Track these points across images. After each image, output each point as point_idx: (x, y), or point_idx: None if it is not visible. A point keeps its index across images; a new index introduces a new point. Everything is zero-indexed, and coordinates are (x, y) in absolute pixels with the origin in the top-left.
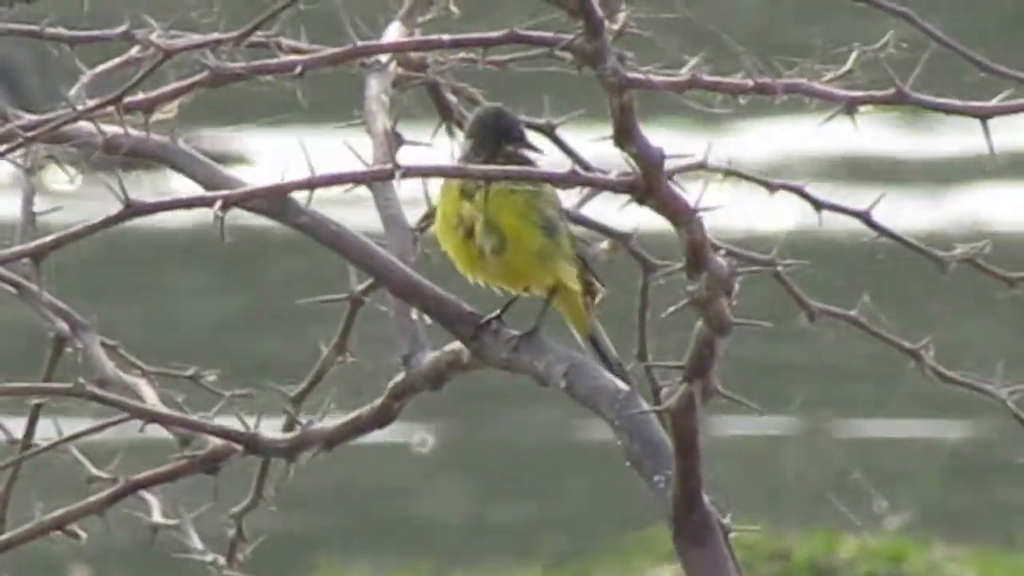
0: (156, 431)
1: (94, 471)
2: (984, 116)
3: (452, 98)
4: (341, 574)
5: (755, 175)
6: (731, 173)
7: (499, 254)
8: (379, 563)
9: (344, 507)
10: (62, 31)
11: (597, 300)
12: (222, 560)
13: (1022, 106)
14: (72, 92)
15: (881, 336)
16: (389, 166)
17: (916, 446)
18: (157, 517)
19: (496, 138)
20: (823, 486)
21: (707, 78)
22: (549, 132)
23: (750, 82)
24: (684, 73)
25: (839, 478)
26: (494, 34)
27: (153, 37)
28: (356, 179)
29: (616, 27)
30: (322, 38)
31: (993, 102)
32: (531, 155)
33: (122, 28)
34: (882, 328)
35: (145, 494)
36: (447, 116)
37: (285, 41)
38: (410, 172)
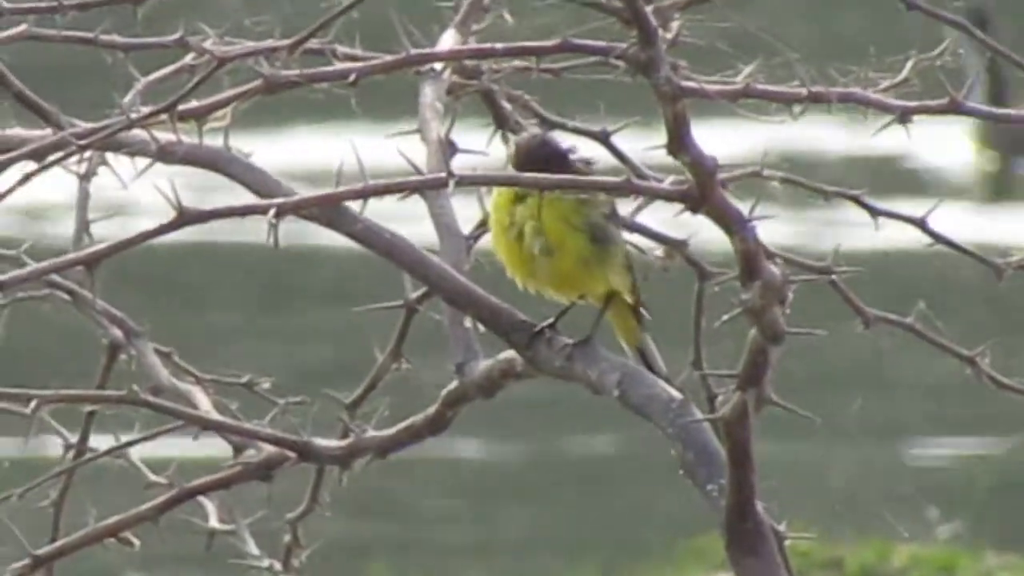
0: (210, 442)
1: (152, 477)
2: None
3: (507, 105)
4: None
5: (811, 183)
6: (787, 181)
7: (548, 256)
8: (432, 570)
9: (398, 515)
10: (116, 38)
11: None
12: (278, 566)
13: None
14: (126, 99)
15: (938, 343)
16: (443, 174)
17: (967, 458)
18: (214, 523)
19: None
20: (875, 497)
21: (761, 87)
22: (604, 140)
23: (804, 91)
24: (738, 82)
25: (891, 489)
26: (547, 43)
27: (207, 44)
28: (410, 187)
29: (669, 35)
30: (375, 46)
31: None
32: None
33: (176, 35)
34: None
35: (202, 499)
36: (502, 124)
37: (340, 48)
38: (464, 180)
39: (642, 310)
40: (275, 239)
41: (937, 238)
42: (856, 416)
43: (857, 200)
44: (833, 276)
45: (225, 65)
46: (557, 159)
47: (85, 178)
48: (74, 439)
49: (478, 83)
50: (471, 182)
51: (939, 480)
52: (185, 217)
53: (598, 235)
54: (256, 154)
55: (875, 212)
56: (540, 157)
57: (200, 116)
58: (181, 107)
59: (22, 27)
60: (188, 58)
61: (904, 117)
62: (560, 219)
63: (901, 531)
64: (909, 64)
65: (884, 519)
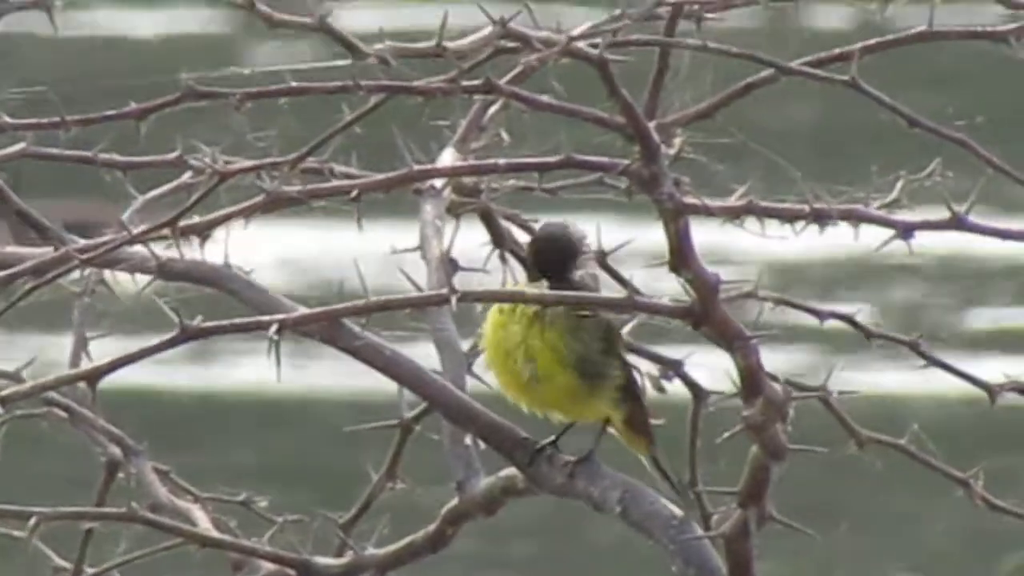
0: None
1: None
2: None
3: (505, 224)
4: None
5: (805, 305)
6: (781, 302)
7: (537, 381)
8: None
9: None
10: (115, 157)
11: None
12: None
13: None
14: (125, 216)
15: (931, 465)
16: (444, 291)
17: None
18: None
19: (539, 269)
20: None
21: (763, 204)
22: (601, 260)
23: (806, 208)
24: (740, 199)
25: None
26: (550, 159)
27: (207, 161)
28: (412, 303)
29: (672, 151)
30: (374, 165)
31: None
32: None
33: (175, 154)
34: (929, 456)
35: None
36: (500, 243)
37: (338, 167)
38: (466, 297)
39: (650, 424)
40: (277, 356)
41: (931, 361)
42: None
43: (852, 322)
44: (829, 397)
45: (226, 181)
46: (556, 264)
47: (83, 295)
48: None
49: (477, 201)
50: (473, 299)
51: None
52: (187, 333)
53: (588, 370)
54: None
55: (870, 335)
56: (540, 260)
57: (201, 232)
58: (182, 223)
59: (21, 145)
60: (186, 175)
61: (907, 233)
62: (551, 350)
63: None
64: (899, 184)
65: None
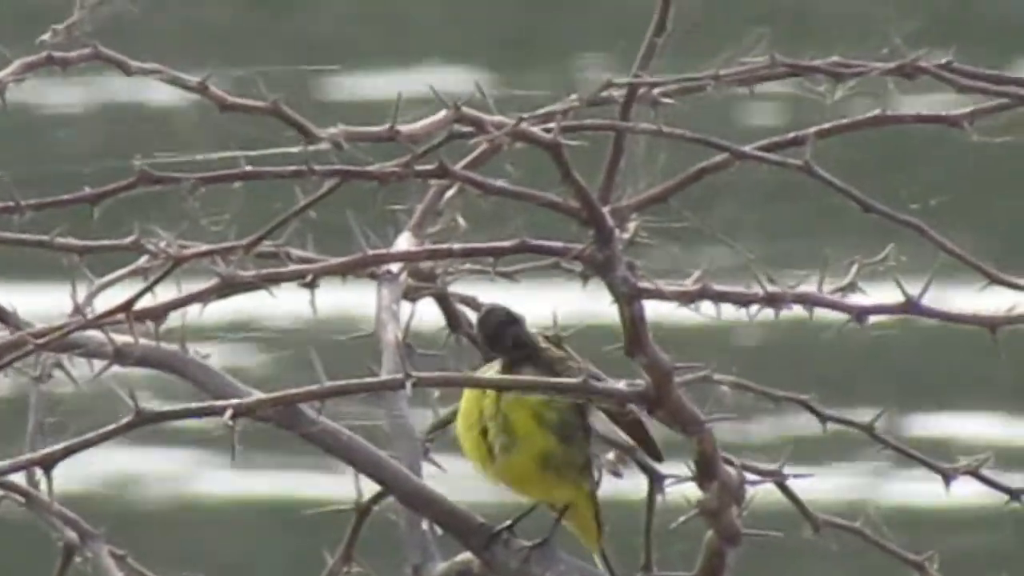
0: None
1: None
2: (994, 326)
3: (461, 308)
4: None
5: (760, 388)
6: (739, 386)
7: (507, 452)
8: None
9: None
10: (72, 241)
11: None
12: None
13: None
14: (81, 300)
15: (885, 548)
16: (400, 376)
17: None
18: None
19: (489, 345)
20: None
21: (717, 288)
22: (557, 344)
23: (760, 292)
24: (695, 283)
25: None
26: (505, 243)
27: (162, 246)
28: (367, 388)
29: (626, 236)
30: (329, 248)
31: (1002, 312)
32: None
33: (131, 238)
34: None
35: None
36: (456, 326)
37: (293, 251)
38: (422, 382)
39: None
40: (232, 440)
41: (885, 443)
42: None
43: (807, 405)
44: (786, 480)
45: (180, 265)
46: (504, 337)
47: (39, 379)
48: None
49: (433, 286)
50: (429, 383)
51: None
52: (142, 417)
53: (566, 434)
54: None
55: (824, 418)
56: (489, 334)
57: (156, 316)
58: (137, 307)
59: None
60: (143, 260)
61: (860, 317)
62: (530, 414)
63: None
64: (854, 269)
65: None
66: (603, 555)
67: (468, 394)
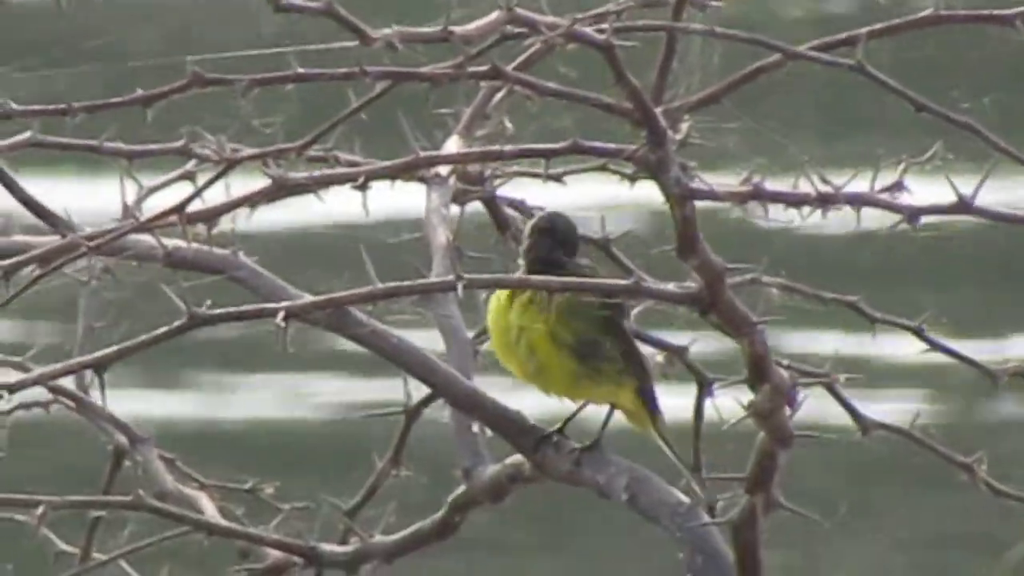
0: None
1: None
2: None
3: (509, 211)
4: None
5: (809, 290)
6: (787, 288)
7: (537, 372)
8: None
9: None
10: (120, 146)
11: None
12: None
13: None
14: (131, 203)
15: (934, 449)
16: (451, 277)
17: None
18: None
19: (537, 256)
20: None
21: (770, 189)
22: (604, 247)
23: (812, 192)
24: (747, 184)
25: None
26: (557, 145)
27: (211, 149)
28: (419, 290)
29: (679, 136)
30: (375, 152)
31: None
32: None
33: (180, 142)
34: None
35: None
36: (504, 230)
37: (342, 155)
38: (473, 283)
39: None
40: (284, 343)
41: (934, 345)
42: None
43: (854, 307)
44: (836, 382)
45: (234, 168)
46: (569, 239)
47: (89, 283)
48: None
49: (482, 189)
50: (479, 285)
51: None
52: (195, 320)
53: (585, 352)
54: None
55: (873, 319)
56: (542, 244)
57: (209, 219)
58: (189, 210)
59: (27, 134)
60: (190, 164)
61: (913, 218)
62: (547, 335)
63: None
64: (901, 167)
65: None
66: (665, 441)
67: (494, 308)
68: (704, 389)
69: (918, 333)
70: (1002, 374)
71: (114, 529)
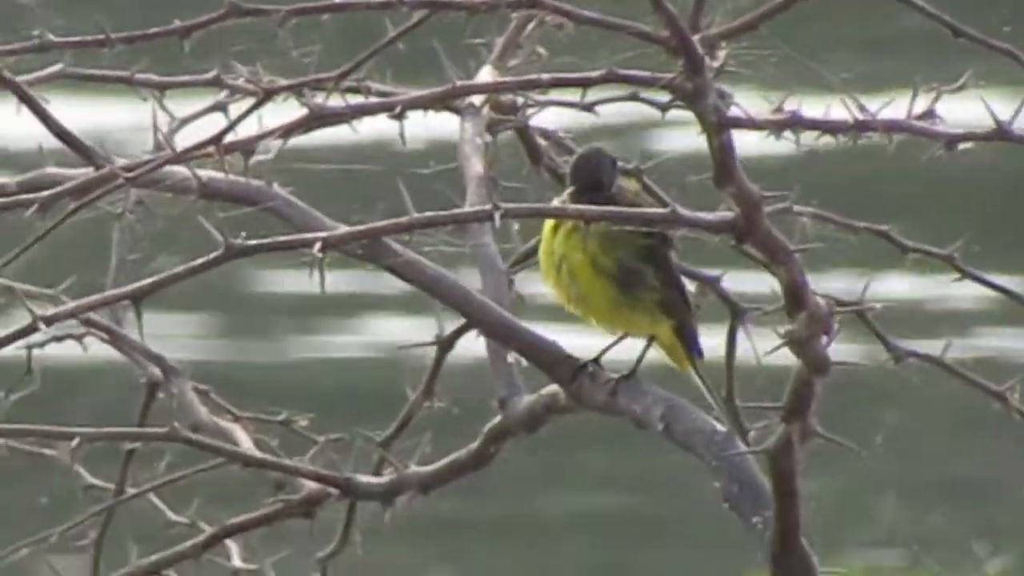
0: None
1: (173, 516)
2: None
3: (542, 142)
4: None
5: (841, 219)
6: (819, 217)
7: (578, 298)
8: None
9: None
10: (152, 77)
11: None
12: None
13: None
14: (160, 137)
15: (966, 378)
16: (489, 207)
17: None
18: (236, 562)
19: (577, 186)
20: (921, 529)
21: (808, 116)
22: (638, 176)
23: (850, 119)
24: (784, 112)
25: (936, 521)
26: (593, 73)
27: (243, 81)
28: (455, 220)
29: (716, 64)
30: (406, 82)
31: None
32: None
33: (212, 73)
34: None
35: (227, 541)
36: (537, 160)
37: (374, 85)
38: (510, 213)
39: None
40: (321, 273)
41: (968, 275)
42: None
43: (887, 236)
44: (869, 310)
45: (271, 98)
46: (592, 178)
47: (124, 215)
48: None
49: (515, 119)
50: (515, 215)
51: (987, 510)
52: (231, 251)
53: (626, 280)
54: None
55: (905, 248)
56: (578, 176)
57: (244, 149)
58: (224, 141)
59: (58, 66)
60: (223, 95)
61: (950, 144)
62: (588, 261)
63: (946, 564)
64: (933, 95)
65: (931, 553)
66: (701, 378)
67: (544, 234)
68: (737, 318)
69: (951, 261)
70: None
71: (149, 464)
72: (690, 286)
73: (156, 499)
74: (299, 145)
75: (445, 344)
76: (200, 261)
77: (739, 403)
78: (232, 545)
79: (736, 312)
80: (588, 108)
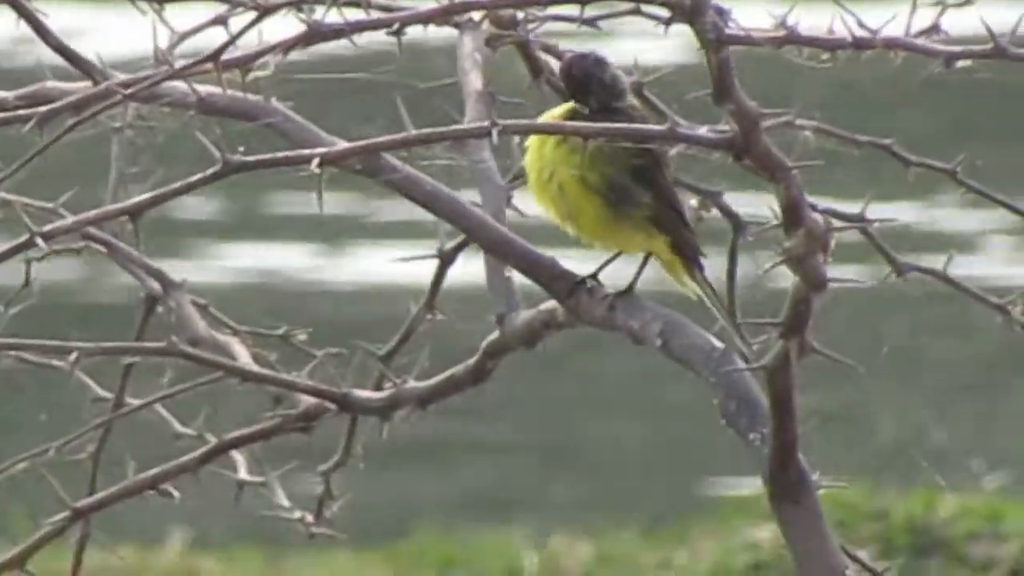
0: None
1: (180, 428)
2: None
3: (543, 56)
4: (437, 541)
5: (843, 133)
6: (820, 130)
7: (569, 215)
8: (474, 531)
9: (443, 475)
10: None
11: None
12: (310, 518)
13: None
14: (164, 50)
15: (969, 292)
16: (487, 123)
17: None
18: (243, 475)
19: (574, 90)
20: (919, 447)
21: (805, 34)
22: (638, 91)
23: (848, 36)
24: (781, 28)
25: (935, 439)
26: None
27: None
28: (453, 135)
29: None
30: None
31: None
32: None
33: None
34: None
35: (233, 452)
36: (538, 75)
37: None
38: (508, 129)
39: (697, 253)
40: (319, 189)
41: (972, 188)
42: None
43: (890, 150)
44: (870, 226)
45: (268, 15)
46: (599, 75)
47: (122, 130)
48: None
49: (515, 34)
50: (514, 131)
51: (984, 430)
52: (228, 167)
53: (615, 197)
54: None
55: (908, 163)
56: (571, 83)
57: (243, 65)
58: (223, 57)
59: None
60: (223, 9)
61: (949, 62)
62: (577, 177)
63: (944, 481)
64: (937, 12)
65: (929, 469)
66: (704, 290)
67: (532, 147)
68: (739, 232)
69: (953, 175)
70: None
71: (152, 377)
72: (692, 200)
73: (163, 411)
74: (299, 60)
75: (447, 257)
76: (197, 177)
77: (739, 319)
78: (239, 458)
79: (737, 226)
80: (590, 23)
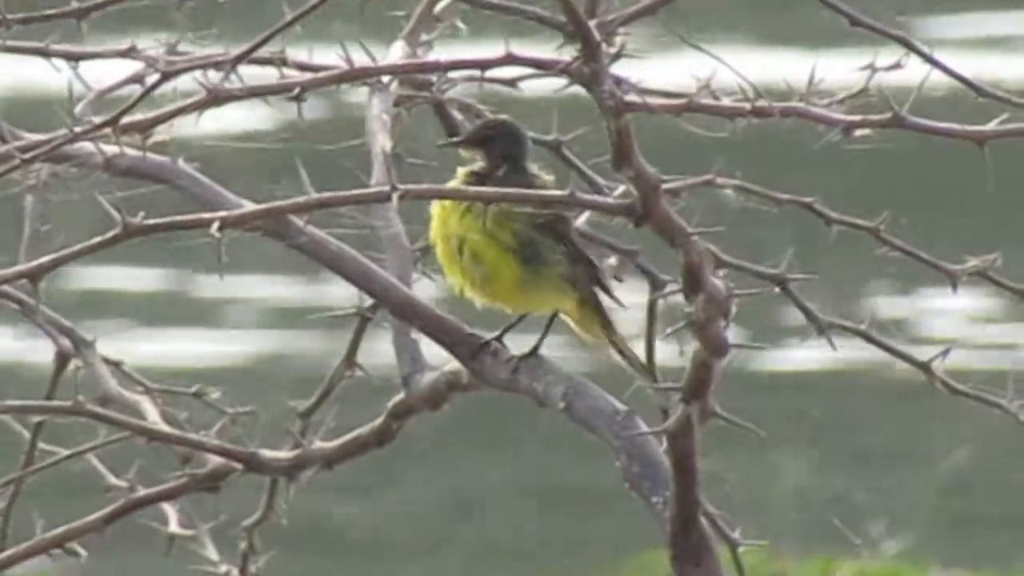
0: None
1: (113, 480)
2: (982, 140)
3: (458, 116)
4: None
5: (763, 191)
6: (741, 188)
7: (481, 281)
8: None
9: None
10: (68, 48)
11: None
12: (235, 572)
13: (1020, 130)
14: (77, 110)
15: (895, 352)
16: (387, 187)
17: (916, 464)
18: (174, 527)
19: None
20: (821, 510)
21: (704, 101)
22: (556, 149)
23: (747, 105)
24: (681, 97)
25: (837, 502)
26: (490, 56)
27: (153, 54)
28: (354, 200)
29: (613, 50)
30: (329, 54)
31: (991, 126)
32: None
33: (126, 45)
34: (891, 340)
35: (164, 505)
36: (453, 134)
37: (292, 58)
38: (409, 194)
39: (611, 307)
40: (219, 253)
41: (891, 244)
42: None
43: (811, 208)
44: (788, 283)
45: (170, 79)
46: (505, 138)
47: (36, 188)
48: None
49: (427, 95)
50: (415, 196)
51: (886, 495)
52: (128, 230)
53: (529, 254)
54: None
55: (829, 220)
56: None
57: (144, 129)
58: (125, 120)
59: None
60: (140, 68)
61: (847, 131)
62: (489, 240)
63: (849, 540)
64: (841, 92)
65: (830, 532)
66: (617, 347)
67: (436, 214)
68: (656, 291)
69: (876, 234)
70: (959, 273)
71: (77, 432)
72: (611, 258)
73: (97, 463)
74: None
75: (365, 314)
76: (97, 240)
77: (641, 383)
78: (169, 510)
79: (655, 284)
80: (508, 83)
